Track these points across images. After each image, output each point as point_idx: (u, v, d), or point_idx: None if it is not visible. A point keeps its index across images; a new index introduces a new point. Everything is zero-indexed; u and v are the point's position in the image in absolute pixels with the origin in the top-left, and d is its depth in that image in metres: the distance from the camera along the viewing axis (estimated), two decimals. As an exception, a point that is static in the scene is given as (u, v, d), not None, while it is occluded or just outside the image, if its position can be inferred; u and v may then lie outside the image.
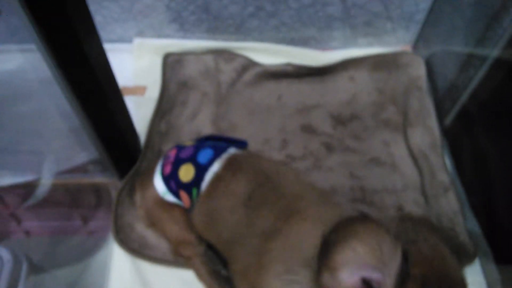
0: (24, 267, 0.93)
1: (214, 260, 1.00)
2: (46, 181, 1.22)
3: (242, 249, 0.75)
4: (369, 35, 1.39)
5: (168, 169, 0.89)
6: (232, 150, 0.87)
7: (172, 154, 0.91)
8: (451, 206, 1.07)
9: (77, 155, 1.15)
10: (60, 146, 1.20)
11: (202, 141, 0.95)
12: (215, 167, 0.83)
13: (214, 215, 0.81)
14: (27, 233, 1.59)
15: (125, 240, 1.03)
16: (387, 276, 0.46)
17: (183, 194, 0.87)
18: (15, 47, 1.29)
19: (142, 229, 1.05)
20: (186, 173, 0.85)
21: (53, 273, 1.06)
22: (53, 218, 1.51)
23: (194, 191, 0.84)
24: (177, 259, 1.00)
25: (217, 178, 0.82)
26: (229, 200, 0.79)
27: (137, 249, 1.02)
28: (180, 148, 0.92)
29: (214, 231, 0.84)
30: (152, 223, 0.99)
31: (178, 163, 0.88)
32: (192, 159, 0.86)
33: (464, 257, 1.01)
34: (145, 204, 0.96)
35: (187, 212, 0.91)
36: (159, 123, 1.22)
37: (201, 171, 0.84)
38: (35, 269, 0.97)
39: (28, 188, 1.28)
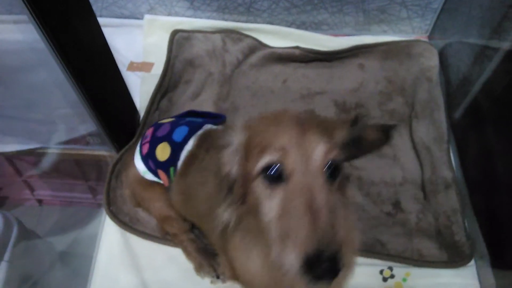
0: (15, 231, 0.95)
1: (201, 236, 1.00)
2: (57, 150, 1.25)
3: (214, 219, 0.75)
4: (383, 22, 1.34)
5: (145, 148, 0.89)
6: (207, 126, 0.85)
7: (149, 133, 0.90)
8: (450, 203, 1.03)
9: (78, 126, 1.17)
10: (63, 117, 1.22)
11: (180, 117, 0.94)
12: (189, 145, 0.82)
13: (189, 192, 0.80)
14: (40, 201, 1.65)
15: (117, 213, 1.04)
16: None
17: (161, 173, 0.87)
18: (23, 17, 1.32)
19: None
20: (163, 152, 0.84)
21: (45, 239, 1.09)
22: (63, 189, 1.56)
23: (172, 170, 0.83)
24: (165, 236, 1.01)
25: (191, 156, 0.81)
26: (201, 175, 0.78)
27: (127, 222, 1.04)
28: (157, 126, 0.91)
29: (191, 207, 0.83)
30: (138, 202, 1.00)
31: (155, 142, 0.87)
32: (168, 138, 0.85)
33: (458, 257, 0.97)
34: (129, 183, 0.97)
35: (167, 190, 0.91)
36: (160, 100, 1.22)
37: (176, 149, 0.83)
38: (27, 234, 1.00)
39: (38, 156, 1.32)
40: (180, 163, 0.82)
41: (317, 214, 0.48)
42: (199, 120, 0.89)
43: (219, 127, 0.87)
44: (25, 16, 0.78)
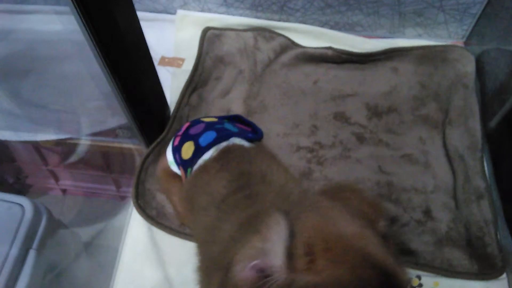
0: (44, 219, 0.96)
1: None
2: (85, 141, 1.26)
3: (206, 251, 0.72)
4: (419, 26, 1.31)
5: (177, 141, 0.88)
6: (233, 140, 0.82)
7: (184, 127, 0.90)
8: (483, 214, 1.01)
9: (109, 119, 1.18)
10: (95, 108, 1.23)
11: (224, 119, 0.93)
12: (209, 154, 0.80)
13: (193, 205, 0.79)
14: (64, 191, 1.66)
15: (144, 207, 1.04)
16: (273, 258, 0.45)
17: (181, 170, 0.86)
18: (64, 8, 1.33)
19: (162, 198, 1.06)
20: (187, 150, 0.83)
21: (71, 230, 1.10)
22: (87, 180, 1.57)
23: (189, 171, 0.82)
24: (183, 227, 1.01)
25: (204, 167, 0.79)
26: (207, 196, 0.75)
27: (154, 217, 1.03)
28: (193, 123, 0.90)
29: (191, 218, 0.82)
30: (162, 189, 1.01)
31: (185, 138, 0.86)
32: (195, 139, 0.83)
33: (489, 270, 0.95)
34: (158, 169, 0.99)
35: None
36: (190, 96, 1.21)
37: (198, 153, 0.81)
38: (55, 223, 1.00)
39: (66, 147, 1.33)
40: (195, 168, 0.80)
41: None
42: (234, 129, 0.87)
43: (246, 143, 0.84)
44: (67, 7, 0.78)
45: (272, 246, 0.46)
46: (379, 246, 0.48)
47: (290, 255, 0.46)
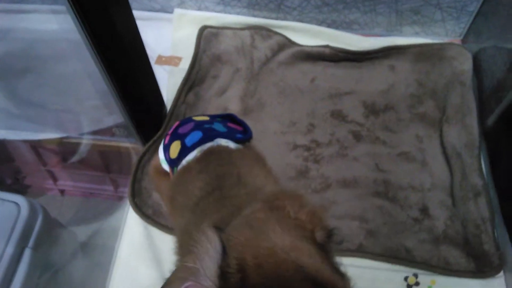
0: (40, 218, 0.96)
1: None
2: (82, 140, 1.26)
3: (180, 252, 0.71)
4: (416, 24, 1.31)
5: (167, 139, 0.88)
6: (219, 141, 0.81)
7: (174, 126, 0.90)
8: (480, 211, 1.00)
9: (105, 118, 1.18)
10: (91, 107, 1.23)
11: (215, 117, 0.93)
12: (193, 155, 0.79)
13: (174, 205, 0.78)
14: (62, 191, 1.66)
15: (140, 205, 1.04)
16: (205, 278, 0.45)
17: (169, 168, 0.86)
18: (60, 7, 1.34)
19: (158, 197, 1.06)
20: (175, 149, 0.82)
21: (68, 229, 1.10)
22: (86, 180, 1.57)
23: (175, 170, 0.82)
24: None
25: (187, 168, 0.78)
26: (184, 197, 0.75)
27: (150, 215, 1.03)
28: (183, 122, 0.89)
29: (173, 219, 0.82)
30: (154, 187, 1.01)
31: (173, 137, 0.85)
32: (182, 139, 0.83)
33: (486, 268, 0.94)
34: (150, 167, 0.98)
35: None
36: (187, 94, 1.21)
37: (183, 153, 0.81)
38: (51, 222, 1.00)
39: (63, 146, 1.33)
40: (179, 167, 0.80)
41: None
42: (223, 130, 0.85)
43: (232, 145, 0.82)
44: (63, 7, 0.78)
45: (204, 266, 0.45)
46: (313, 257, 0.47)
47: (222, 273, 0.45)
